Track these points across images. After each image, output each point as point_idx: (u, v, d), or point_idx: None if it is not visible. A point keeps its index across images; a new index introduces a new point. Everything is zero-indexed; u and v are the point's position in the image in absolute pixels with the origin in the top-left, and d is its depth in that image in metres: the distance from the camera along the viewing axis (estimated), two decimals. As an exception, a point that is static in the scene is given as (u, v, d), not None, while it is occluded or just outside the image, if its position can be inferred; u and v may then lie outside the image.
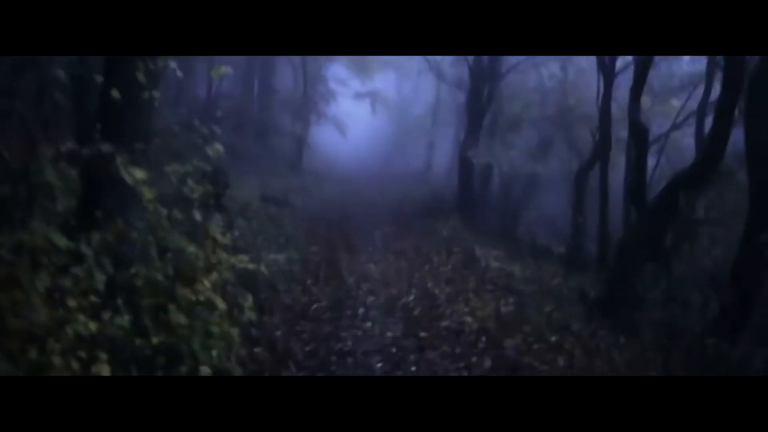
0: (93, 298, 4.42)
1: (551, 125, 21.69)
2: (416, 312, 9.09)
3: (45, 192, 4.72)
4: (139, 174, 5.17)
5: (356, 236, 15.06)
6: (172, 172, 5.65)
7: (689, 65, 18.78)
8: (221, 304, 5.14)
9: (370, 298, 9.81)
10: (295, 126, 28.55)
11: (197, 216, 5.69)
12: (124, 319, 4.49)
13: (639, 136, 10.31)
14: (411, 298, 9.83)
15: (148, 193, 5.19)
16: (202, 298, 5.05)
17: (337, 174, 30.16)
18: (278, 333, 7.72)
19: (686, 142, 18.61)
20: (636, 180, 10.16)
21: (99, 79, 6.13)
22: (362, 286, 10.51)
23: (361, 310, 9.17)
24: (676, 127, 17.83)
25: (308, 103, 28.86)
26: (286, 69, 30.31)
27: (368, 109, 32.96)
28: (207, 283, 5.20)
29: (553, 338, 8.07)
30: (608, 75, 14.26)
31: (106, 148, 5.07)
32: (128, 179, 5.02)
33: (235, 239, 11.30)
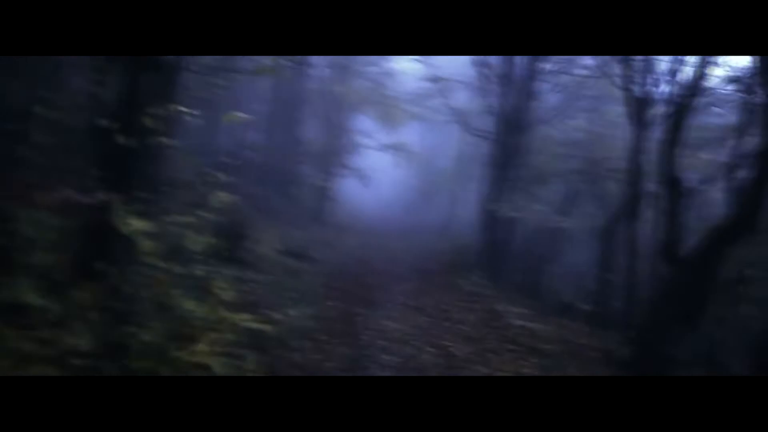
0: (74, 361, 4.10)
1: (578, 179, 21.32)
2: (432, 372, 8.66)
3: (23, 244, 4.42)
4: (139, 224, 4.87)
5: (376, 291, 14.68)
6: (171, 224, 5.32)
7: (719, 117, 18.39)
8: (218, 368, 4.80)
9: (385, 357, 9.40)
10: (318, 177, 28.38)
11: (198, 271, 5.36)
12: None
13: (674, 188, 9.93)
14: (428, 357, 9.42)
15: (146, 246, 4.87)
16: (198, 360, 4.71)
17: (360, 226, 29.88)
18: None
19: (715, 196, 18.17)
20: (670, 235, 9.74)
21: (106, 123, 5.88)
22: (378, 343, 10.12)
23: (375, 370, 8.76)
24: (707, 180, 17.32)
25: (332, 155, 28.73)
26: (310, 120, 30.26)
27: (392, 161, 32.71)
28: (205, 345, 4.85)
29: (578, 404, 7.62)
30: (640, 125, 13.91)
31: (104, 196, 4.77)
32: (125, 230, 4.72)
33: (248, 293, 11.05)
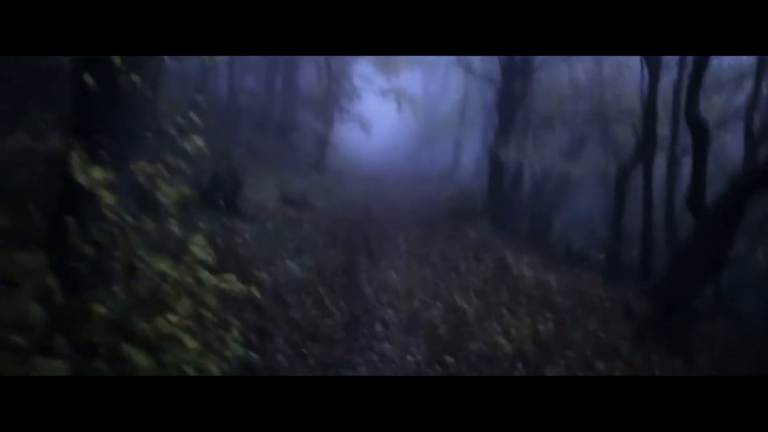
0: (17, 338, 3.42)
1: (586, 123, 20.54)
2: (441, 331, 8.00)
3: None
4: (100, 175, 4.15)
5: (378, 240, 14.02)
6: (137, 171, 4.57)
7: (734, 58, 17.54)
8: (190, 342, 4.12)
9: (390, 313, 8.75)
10: (318, 124, 27.64)
11: (173, 226, 4.64)
12: (60, 366, 3.48)
13: (699, 132, 9.16)
14: (435, 313, 8.76)
15: (108, 198, 4.15)
16: (169, 331, 4.03)
17: (361, 173, 29.22)
18: (280, 357, 6.68)
19: (730, 140, 17.40)
20: (695, 182, 8.97)
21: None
22: (381, 298, 9.46)
23: (378, 328, 8.10)
24: (722, 124, 16.56)
25: (332, 101, 27.95)
26: (309, 66, 29.43)
27: (394, 107, 31.88)
28: (180, 312, 4.17)
29: (601, 365, 6.96)
30: (654, 67, 13.10)
31: (60, 143, 4.04)
32: (83, 180, 4.00)
33: (241, 246, 10.40)
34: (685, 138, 15.84)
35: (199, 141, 4.87)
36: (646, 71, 13.63)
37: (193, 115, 5.08)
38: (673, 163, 15.32)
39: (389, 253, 12.73)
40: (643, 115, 13.65)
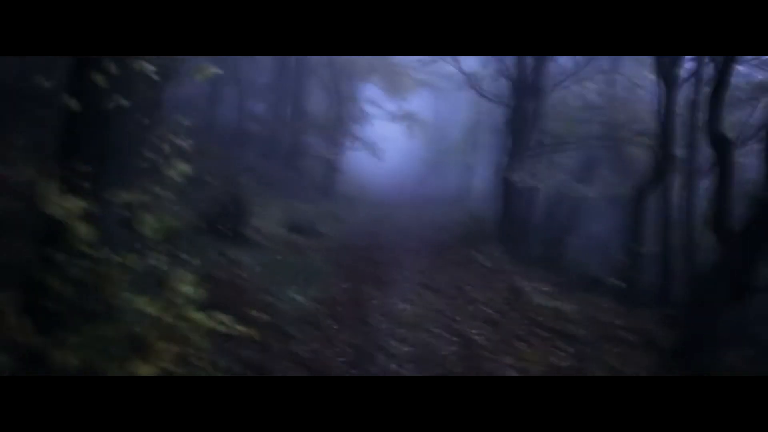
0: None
1: (599, 144, 20.07)
2: (457, 369, 7.52)
3: None
4: (74, 204, 3.74)
5: (388, 268, 13.59)
6: (119, 201, 4.15)
7: (753, 71, 17.06)
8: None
9: (403, 349, 8.29)
10: (326, 150, 27.28)
11: (154, 261, 4.22)
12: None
13: (722, 149, 8.70)
14: (447, 347, 8.30)
15: (83, 231, 3.74)
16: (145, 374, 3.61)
17: (370, 199, 28.82)
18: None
19: (747, 161, 16.92)
20: (718, 203, 8.49)
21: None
22: (391, 330, 9.02)
23: (391, 365, 7.64)
24: (743, 142, 16.06)
25: (341, 126, 27.63)
26: (319, 91, 29.11)
27: (403, 131, 31.52)
28: (161, 356, 3.74)
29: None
30: (671, 84, 12.67)
31: (26, 171, 3.65)
32: (54, 211, 3.60)
33: (244, 278, 9.99)
34: (701, 158, 15.45)
35: (184, 167, 4.44)
36: (662, 88, 13.20)
37: (179, 140, 4.68)
38: (691, 184, 14.85)
39: (399, 282, 12.29)
40: (659, 134, 13.20)
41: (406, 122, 29.87)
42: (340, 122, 27.35)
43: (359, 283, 12.04)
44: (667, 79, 12.81)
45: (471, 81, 22.55)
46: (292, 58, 26.58)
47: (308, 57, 26.71)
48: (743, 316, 10.26)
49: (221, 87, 24.09)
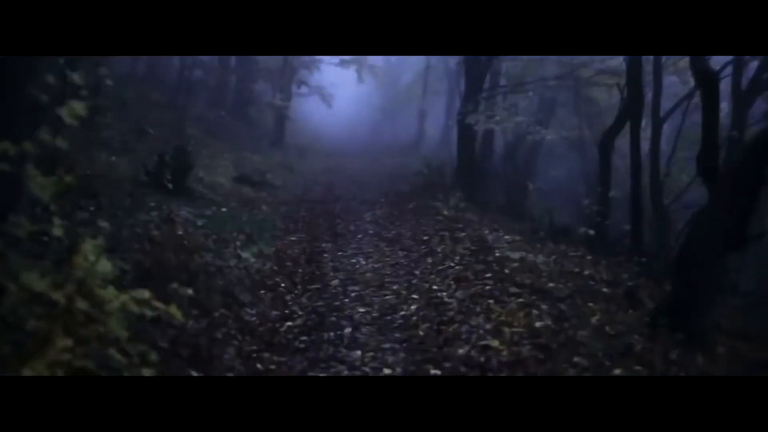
0: None
1: (557, 86, 19.36)
2: (421, 331, 6.76)
3: None
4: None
5: (344, 221, 12.79)
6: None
7: None
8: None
9: (360, 310, 7.48)
10: (276, 97, 26.17)
11: (55, 230, 3.34)
12: None
13: (709, 85, 7.92)
14: (413, 308, 7.52)
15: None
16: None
17: (323, 148, 27.90)
18: (230, 375, 5.44)
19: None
20: (707, 144, 7.73)
21: None
22: (350, 291, 8.23)
23: (347, 330, 6.85)
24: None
25: (290, 73, 26.51)
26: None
27: (354, 77, 30.52)
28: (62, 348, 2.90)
29: (617, 371, 5.78)
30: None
31: None
32: None
33: (192, 234, 9.13)
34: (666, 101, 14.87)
35: (79, 108, 3.55)
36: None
37: (70, 74, 3.80)
38: (657, 127, 14.26)
39: (356, 236, 11.50)
40: (627, 72, 12.46)
41: (355, 67, 28.84)
42: (289, 68, 26.23)
43: (312, 237, 11.28)
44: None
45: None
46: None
47: None
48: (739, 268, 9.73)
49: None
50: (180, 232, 8.72)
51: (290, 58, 25.80)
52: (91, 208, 8.80)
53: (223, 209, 12.09)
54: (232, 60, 26.49)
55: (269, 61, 26.66)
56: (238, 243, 9.68)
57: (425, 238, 11.15)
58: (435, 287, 8.25)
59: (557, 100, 21.44)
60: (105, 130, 13.99)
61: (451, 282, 8.42)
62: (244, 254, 9.20)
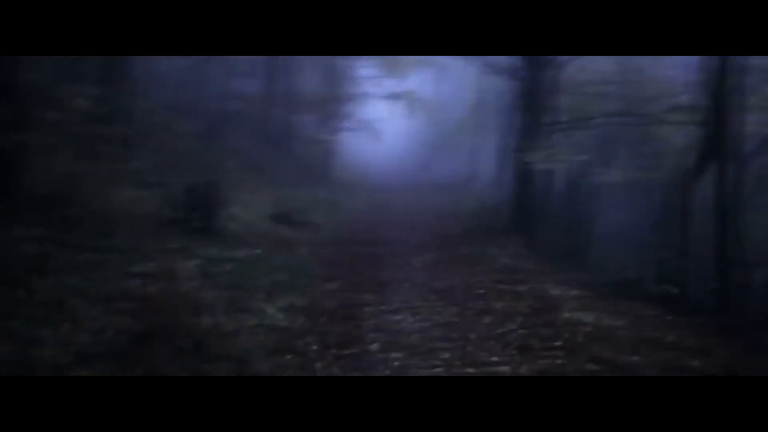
0: None
1: (622, 123, 17.92)
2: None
3: None
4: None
5: (388, 266, 11.54)
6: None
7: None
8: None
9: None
10: (321, 131, 25.15)
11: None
12: None
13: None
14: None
15: None
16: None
17: (369, 185, 26.80)
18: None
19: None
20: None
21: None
22: (392, 359, 6.89)
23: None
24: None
25: (336, 105, 25.52)
26: (311, 69, 26.98)
27: (403, 111, 29.50)
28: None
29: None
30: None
31: None
32: None
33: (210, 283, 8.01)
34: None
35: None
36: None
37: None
38: (740, 167, 12.77)
39: (403, 286, 10.21)
40: (709, 108, 11.08)
41: (405, 101, 27.82)
42: (335, 101, 25.24)
43: (353, 285, 10.08)
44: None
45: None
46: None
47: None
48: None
49: (204, 64, 21.82)
50: (184, 288, 7.53)
51: (337, 91, 24.94)
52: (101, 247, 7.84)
53: (257, 251, 10.98)
54: (276, 91, 25.52)
55: (314, 93, 25.75)
56: (262, 295, 8.51)
57: (481, 291, 9.84)
58: (495, 358, 6.89)
59: (619, 137, 20.02)
60: (134, 161, 13.05)
61: (514, 351, 7.07)
62: (270, 309, 8.01)
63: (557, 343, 7.30)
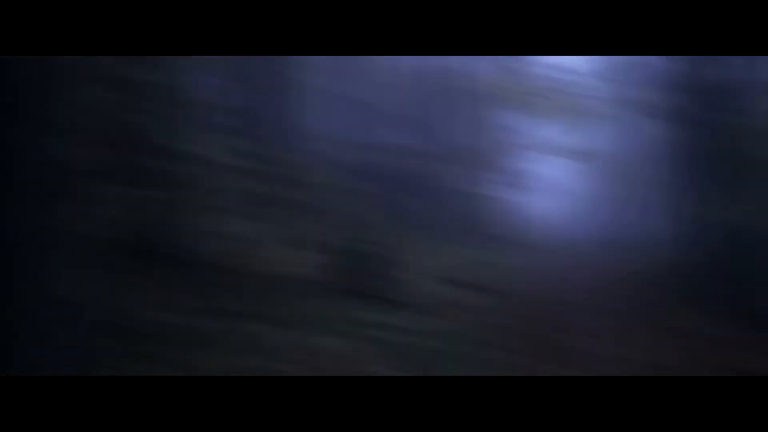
0: None
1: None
2: None
3: None
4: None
5: (572, 334, 10.40)
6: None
7: None
8: None
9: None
10: (477, 184, 24.54)
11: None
12: None
13: None
14: None
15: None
16: None
17: (541, 245, 25.87)
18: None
19: None
20: None
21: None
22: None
23: None
24: None
25: (500, 158, 24.80)
26: (460, 119, 26.42)
27: (570, 165, 28.56)
28: None
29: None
30: None
31: None
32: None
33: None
34: None
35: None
36: None
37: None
38: None
39: (592, 358, 8.92)
40: None
41: (576, 155, 26.79)
42: (496, 154, 24.47)
43: (538, 357, 8.81)
44: None
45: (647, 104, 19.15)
46: (428, 83, 24.42)
47: (451, 83, 24.81)
48: None
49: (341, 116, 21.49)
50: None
51: (494, 142, 24.17)
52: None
53: (439, 321, 9.98)
54: (425, 142, 24.83)
55: (472, 147, 25.03)
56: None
57: (689, 371, 8.40)
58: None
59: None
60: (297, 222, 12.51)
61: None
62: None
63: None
